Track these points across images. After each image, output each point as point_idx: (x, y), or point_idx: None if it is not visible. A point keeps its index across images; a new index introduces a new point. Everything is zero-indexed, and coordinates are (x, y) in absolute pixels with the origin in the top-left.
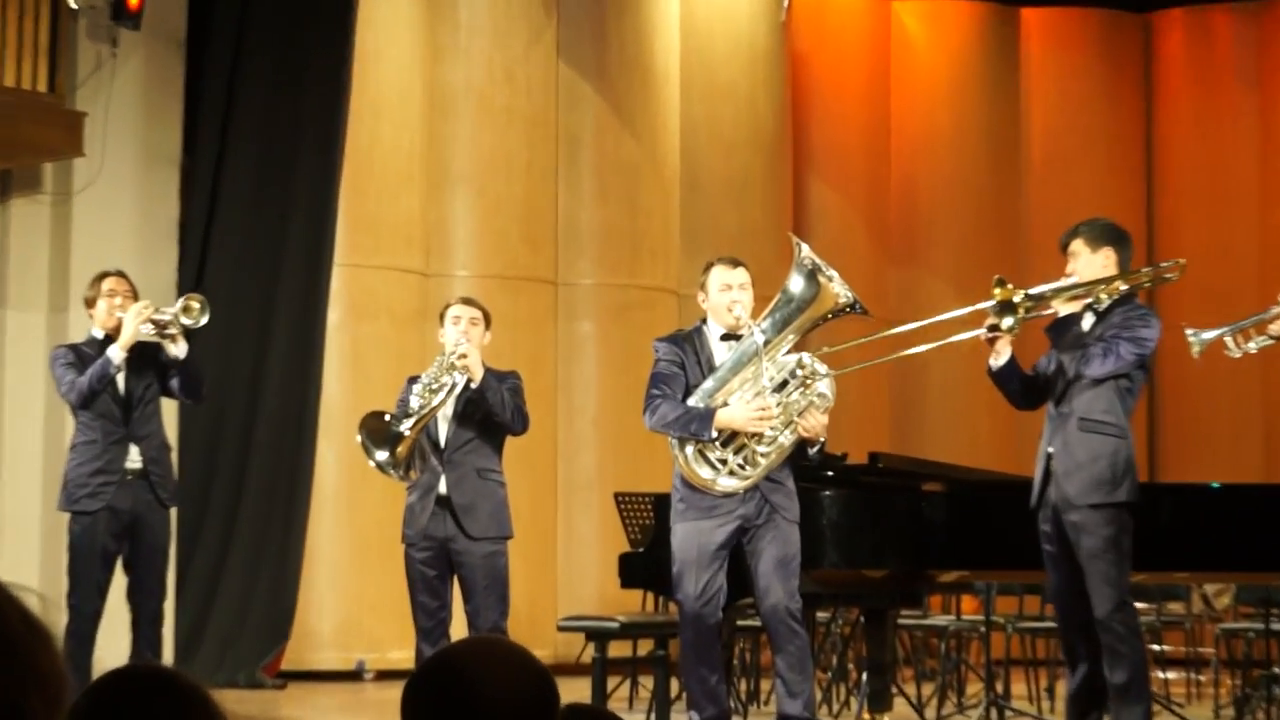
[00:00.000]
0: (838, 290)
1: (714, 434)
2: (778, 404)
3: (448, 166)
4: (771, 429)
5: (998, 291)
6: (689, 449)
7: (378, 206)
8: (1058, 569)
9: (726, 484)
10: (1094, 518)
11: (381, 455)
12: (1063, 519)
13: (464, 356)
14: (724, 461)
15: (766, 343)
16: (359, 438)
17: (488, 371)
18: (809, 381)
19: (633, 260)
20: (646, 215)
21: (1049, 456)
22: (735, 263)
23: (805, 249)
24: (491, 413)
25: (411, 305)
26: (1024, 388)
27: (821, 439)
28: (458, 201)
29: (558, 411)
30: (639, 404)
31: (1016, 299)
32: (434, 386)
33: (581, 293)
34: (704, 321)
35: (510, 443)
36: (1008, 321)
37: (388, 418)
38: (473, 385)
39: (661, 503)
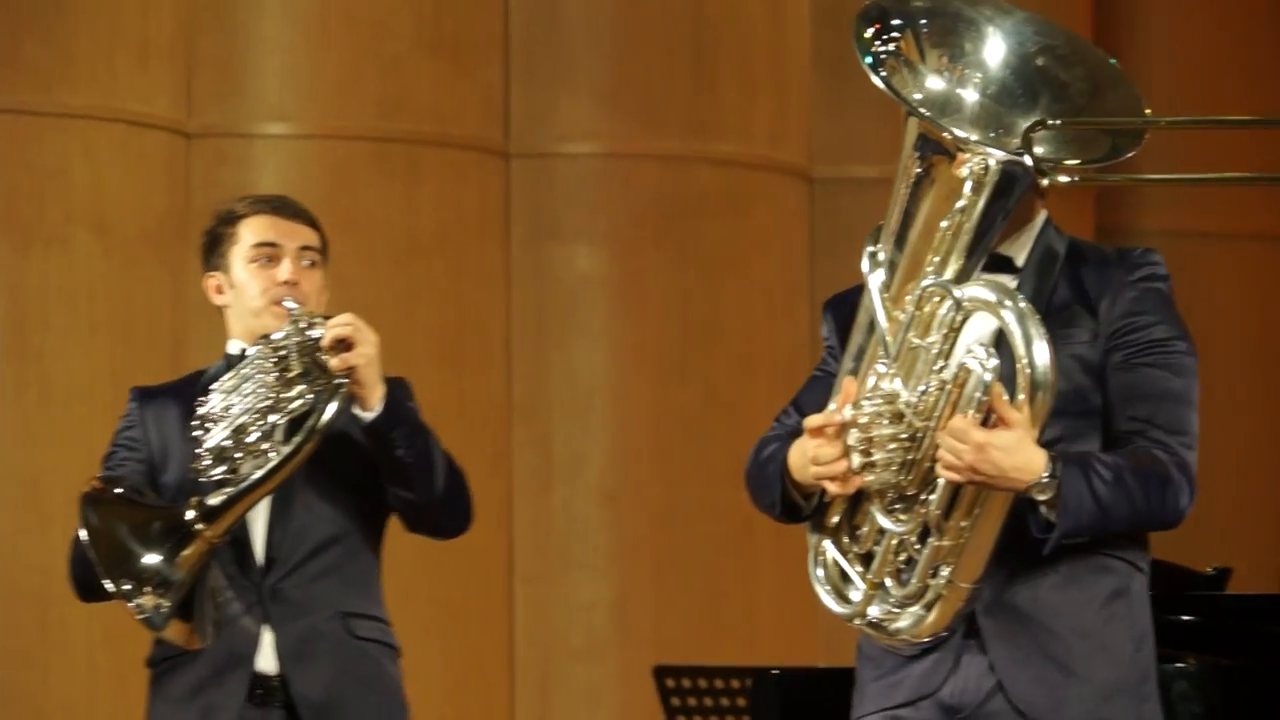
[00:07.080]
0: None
1: (800, 504)
2: (884, 410)
3: None
4: (884, 471)
5: None
6: (814, 555)
7: None
8: None
9: (903, 623)
10: None
11: (143, 595)
12: None
13: (346, 346)
14: (853, 573)
15: (890, 270)
16: (93, 562)
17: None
18: (947, 347)
19: None
20: None
21: None
22: None
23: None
24: (403, 483)
25: None
26: None
27: (1043, 496)
28: None
29: None
30: None
31: None
32: (275, 408)
33: None
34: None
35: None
36: None
37: (139, 498)
38: (364, 415)
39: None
